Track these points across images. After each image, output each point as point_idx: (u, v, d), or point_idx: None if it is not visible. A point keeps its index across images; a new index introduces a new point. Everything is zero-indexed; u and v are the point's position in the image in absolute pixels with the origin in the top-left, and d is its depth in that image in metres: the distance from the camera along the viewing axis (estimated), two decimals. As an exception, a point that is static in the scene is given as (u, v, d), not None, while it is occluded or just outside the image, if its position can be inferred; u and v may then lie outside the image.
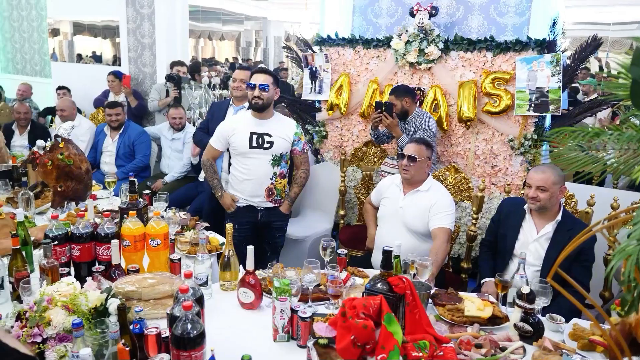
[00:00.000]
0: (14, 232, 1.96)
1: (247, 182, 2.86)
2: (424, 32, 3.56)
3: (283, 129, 2.85)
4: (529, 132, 3.39)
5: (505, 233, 2.51)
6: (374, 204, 2.97)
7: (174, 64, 5.40)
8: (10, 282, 1.84)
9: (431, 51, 3.55)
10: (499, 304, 2.00)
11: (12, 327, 1.45)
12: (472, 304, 1.89)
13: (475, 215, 3.04)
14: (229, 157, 3.25)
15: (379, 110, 3.36)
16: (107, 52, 6.77)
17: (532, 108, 3.32)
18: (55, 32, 7.30)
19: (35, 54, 8.13)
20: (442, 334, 1.67)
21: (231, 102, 3.48)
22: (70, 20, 7.05)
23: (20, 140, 4.93)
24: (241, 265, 2.13)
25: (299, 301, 1.84)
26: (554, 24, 3.25)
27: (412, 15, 3.60)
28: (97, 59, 6.95)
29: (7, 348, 0.84)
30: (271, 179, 2.85)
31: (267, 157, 2.81)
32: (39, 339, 1.38)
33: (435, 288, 2.07)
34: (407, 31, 3.63)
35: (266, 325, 1.75)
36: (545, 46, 3.27)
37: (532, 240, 2.42)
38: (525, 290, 1.79)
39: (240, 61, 12.14)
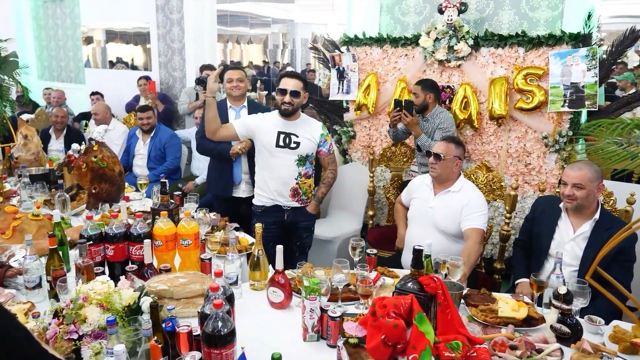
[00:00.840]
0: (51, 232, 2.01)
1: (272, 180, 2.86)
2: (453, 29, 3.51)
3: (309, 130, 2.85)
4: (564, 129, 3.30)
5: (540, 232, 2.44)
6: (404, 203, 2.93)
7: (203, 68, 5.47)
8: (48, 281, 1.89)
9: (461, 48, 3.49)
10: (535, 305, 1.94)
11: (49, 324, 1.48)
12: (506, 304, 1.84)
13: (508, 215, 2.97)
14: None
15: (398, 108, 3.35)
16: (138, 57, 6.93)
17: (566, 104, 3.22)
18: (88, 40, 7.51)
19: (70, 61, 8.38)
20: (475, 335, 1.63)
21: (229, 104, 3.39)
22: (102, 28, 7.25)
23: (56, 145, 5.09)
24: (270, 265, 2.13)
25: (328, 301, 1.83)
26: (589, 16, 3.15)
27: (441, 12, 3.55)
28: (128, 64, 7.12)
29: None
30: (296, 179, 2.85)
31: (293, 157, 2.82)
32: (75, 336, 1.41)
33: (468, 288, 2.03)
34: (435, 28, 3.58)
35: (296, 325, 1.74)
36: (580, 40, 3.17)
37: (569, 240, 2.34)
38: (562, 290, 1.73)
39: (271, 64, 12.21)
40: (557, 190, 3.25)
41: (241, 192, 3.38)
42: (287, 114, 2.78)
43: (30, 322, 1.63)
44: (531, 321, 1.79)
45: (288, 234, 2.98)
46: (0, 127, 2.59)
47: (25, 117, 3.99)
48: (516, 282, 2.43)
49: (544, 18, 3.46)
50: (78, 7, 7.54)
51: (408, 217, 2.84)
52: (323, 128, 2.92)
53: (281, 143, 2.79)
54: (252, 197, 3.07)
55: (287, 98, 2.73)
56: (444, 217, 2.61)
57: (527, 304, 1.88)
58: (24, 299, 1.86)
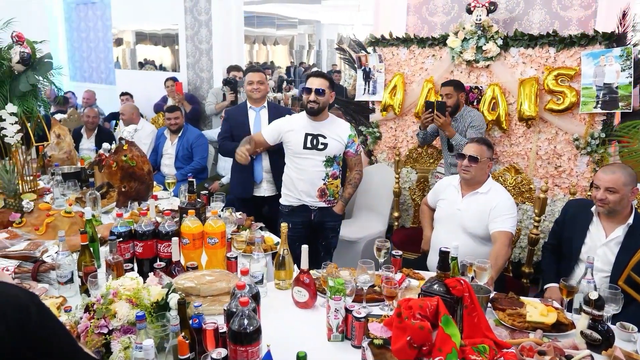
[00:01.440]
0: (83, 229, 2.06)
1: (300, 181, 2.88)
2: (481, 29, 3.46)
3: (337, 131, 2.86)
4: (596, 131, 3.21)
5: (571, 236, 2.38)
6: (430, 205, 2.91)
7: (230, 69, 5.54)
8: (79, 276, 1.94)
9: (489, 48, 3.44)
10: (564, 310, 1.90)
11: (80, 318, 1.52)
12: (535, 309, 1.80)
13: (537, 218, 2.91)
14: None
15: (430, 109, 3.32)
16: (167, 58, 7.06)
17: (599, 105, 3.14)
18: (118, 42, 7.69)
19: (101, 63, 8.60)
20: (503, 339, 1.61)
21: (249, 105, 3.42)
22: (132, 30, 7.41)
23: (87, 144, 5.22)
24: (295, 265, 2.14)
25: (353, 301, 1.82)
26: (624, 15, 3.06)
27: (469, 12, 3.51)
28: (157, 65, 7.25)
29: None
30: (323, 180, 2.86)
31: (321, 158, 2.83)
32: (105, 330, 1.44)
33: (495, 292, 1.99)
34: (463, 28, 3.54)
35: (320, 325, 1.75)
36: (614, 40, 3.09)
37: (601, 245, 2.28)
38: (594, 296, 1.68)
39: (297, 65, 12.29)
40: (589, 193, 3.18)
41: (263, 190, 3.40)
42: (314, 113, 2.79)
43: (62, 316, 1.68)
44: (560, 327, 1.76)
45: (314, 234, 2.99)
46: (35, 126, 2.66)
47: (58, 116, 4.11)
48: (545, 286, 2.38)
49: (576, 17, 3.38)
50: (109, 9, 7.72)
51: (435, 218, 2.82)
52: (351, 129, 2.92)
53: (309, 145, 2.81)
54: (275, 196, 3.08)
55: (312, 97, 2.75)
56: (471, 219, 2.57)
57: (556, 309, 1.84)
58: (56, 294, 1.92)
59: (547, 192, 2.91)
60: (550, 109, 3.29)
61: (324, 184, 2.87)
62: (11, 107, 2.41)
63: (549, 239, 2.59)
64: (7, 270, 1.97)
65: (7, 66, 2.43)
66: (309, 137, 2.81)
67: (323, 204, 2.92)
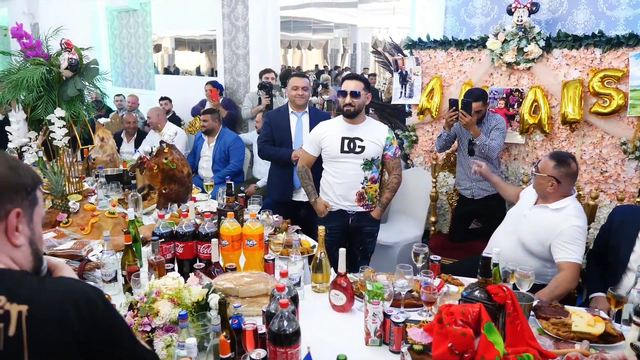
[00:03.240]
0: (126, 230, 2.12)
1: (338, 185, 2.87)
2: (523, 30, 3.38)
3: (375, 134, 2.83)
4: (645, 135, 3.08)
5: (619, 244, 2.29)
6: (520, 195, 2.77)
7: (263, 72, 5.60)
8: (123, 275, 2.00)
9: (531, 50, 3.35)
10: (612, 321, 1.82)
11: (125, 315, 1.56)
12: (581, 319, 1.74)
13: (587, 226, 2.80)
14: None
15: (454, 107, 3.28)
16: (204, 64, 7.20)
17: (648, 108, 3.01)
18: (158, 48, 7.90)
19: (142, 68, 8.85)
20: (547, 349, 1.56)
21: (291, 110, 3.44)
22: (171, 36, 7.61)
23: (127, 147, 5.39)
24: (332, 268, 2.14)
25: (390, 306, 1.80)
26: (675, 14, 2.93)
27: (510, 13, 3.43)
28: (195, 70, 7.41)
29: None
30: (362, 183, 2.84)
31: (359, 161, 2.81)
32: (148, 328, 1.48)
33: (539, 300, 1.93)
34: (504, 30, 3.46)
35: (358, 328, 1.74)
36: (665, 40, 2.96)
37: (651, 253, 2.18)
38: (645, 306, 1.61)
39: (329, 68, 12.32)
40: (638, 199, 3.05)
41: (302, 196, 3.41)
42: (350, 115, 2.78)
43: (107, 313, 1.73)
44: (608, 338, 1.69)
45: (351, 238, 2.97)
46: (81, 130, 2.75)
47: (102, 120, 4.25)
48: (590, 296, 2.29)
49: (623, 17, 3.26)
50: (149, 16, 7.95)
51: (507, 213, 2.75)
52: (389, 132, 2.88)
53: (346, 148, 2.80)
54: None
55: (347, 99, 2.75)
56: (530, 231, 2.43)
57: (603, 319, 1.77)
58: (101, 291, 1.98)
59: (596, 199, 2.80)
60: (596, 112, 3.17)
61: (363, 187, 2.84)
62: (59, 112, 2.50)
63: (594, 246, 2.50)
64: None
65: (56, 72, 2.53)
66: (346, 141, 2.80)
67: (361, 209, 2.89)
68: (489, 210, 3.42)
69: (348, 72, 11.74)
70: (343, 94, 2.78)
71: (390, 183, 2.96)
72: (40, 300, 0.93)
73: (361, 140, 2.79)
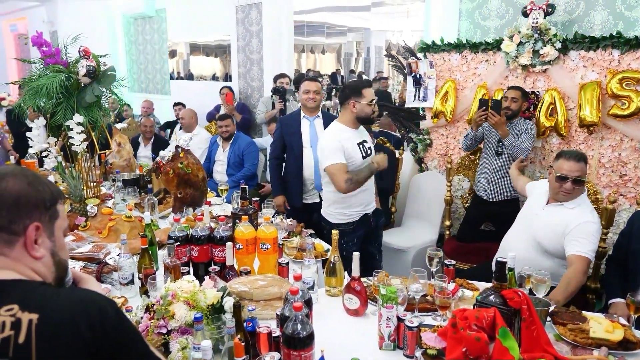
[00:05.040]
0: (143, 233, 2.15)
1: (364, 192, 2.79)
2: (538, 32, 3.35)
3: (365, 133, 2.94)
4: (665, 137, 3.03)
5: (638, 249, 2.25)
6: (527, 192, 2.75)
7: (277, 77, 5.63)
8: (139, 278, 2.02)
9: (547, 52, 3.32)
10: (632, 327, 1.79)
11: (141, 318, 1.58)
12: (599, 325, 1.71)
13: (604, 230, 2.76)
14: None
15: (484, 107, 3.32)
16: (219, 69, 7.27)
17: (668, 110, 2.96)
18: (173, 53, 7.99)
19: (157, 74, 8.96)
20: (564, 355, 1.54)
21: (303, 115, 3.43)
22: (186, 42, 7.69)
23: (144, 152, 5.45)
24: (346, 272, 2.14)
25: (404, 310, 1.80)
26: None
27: (525, 15, 3.40)
28: (209, 76, 7.48)
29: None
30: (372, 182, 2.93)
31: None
32: (164, 330, 1.50)
33: (554, 303, 1.91)
34: (519, 32, 3.43)
35: (371, 333, 1.73)
36: (685, 40, 2.90)
37: (672, 258, 2.14)
38: (665, 312, 1.58)
39: (342, 72, 12.33)
40: (657, 203, 3.00)
41: (313, 199, 3.42)
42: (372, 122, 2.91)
43: (124, 315, 1.75)
44: (627, 344, 1.65)
45: (369, 238, 2.94)
46: (99, 135, 2.80)
47: (119, 125, 4.31)
48: (609, 302, 2.26)
49: (641, 17, 3.21)
50: (165, 23, 8.05)
51: (518, 214, 2.70)
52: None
53: (363, 154, 2.78)
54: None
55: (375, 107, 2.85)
56: (546, 230, 2.39)
57: (622, 325, 1.74)
58: (118, 294, 2.00)
59: (614, 203, 2.76)
60: (615, 114, 3.12)
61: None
62: (78, 117, 2.55)
63: (614, 251, 2.46)
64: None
65: (75, 79, 2.58)
66: (360, 147, 2.78)
67: (375, 206, 2.97)
68: (503, 214, 3.32)
69: (363, 76, 11.74)
70: (372, 102, 2.70)
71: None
72: (51, 309, 0.95)
73: (367, 142, 2.86)
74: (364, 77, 11.18)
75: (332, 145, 2.67)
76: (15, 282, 0.99)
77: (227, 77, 7.00)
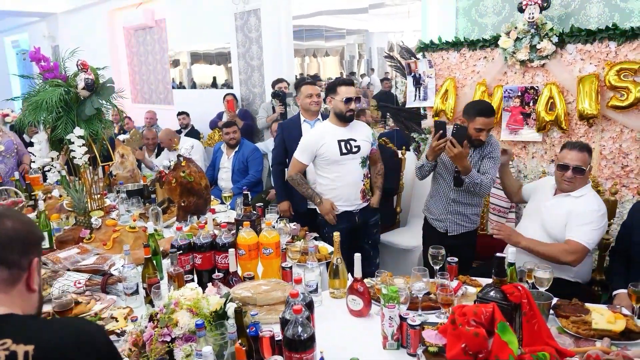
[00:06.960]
0: (146, 243, 2.17)
1: (344, 188, 2.98)
2: (535, 27, 3.35)
3: (363, 133, 3.03)
4: (666, 126, 3.01)
5: (640, 240, 2.25)
6: (523, 194, 2.81)
7: (275, 82, 5.66)
8: (144, 288, 2.05)
9: (544, 46, 3.32)
10: (635, 317, 1.79)
11: (146, 327, 1.60)
12: (601, 316, 1.71)
13: (608, 222, 2.75)
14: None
15: (441, 132, 2.58)
16: (220, 76, 7.31)
17: (667, 99, 2.94)
18: (175, 63, 8.05)
19: (159, 84, 9.02)
20: (567, 348, 1.54)
21: (303, 118, 3.49)
22: (188, 51, 7.75)
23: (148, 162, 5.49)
24: (349, 274, 2.15)
25: (408, 309, 1.81)
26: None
27: (521, 10, 3.40)
28: (211, 83, 7.53)
29: None
30: (362, 180, 3.01)
31: (357, 160, 2.97)
32: (168, 339, 1.51)
33: (557, 298, 1.91)
34: (516, 28, 3.43)
35: (375, 333, 1.74)
36: (681, 29, 2.89)
37: (675, 248, 2.14)
38: (667, 302, 1.58)
39: (344, 75, 12.33)
40: (660, 193, 2.98)
41: None
42: (351, 120, 2.97)
43: (129, 325, 1.78)
44: (630, 335, 1.66)
45: (358, 235, 3.08)
46: (100, 147, 2.84)
47: (121, 137, 4.35)
48: (614, 293, 2.25)
49: (638, 8, 3.19)
50: (166, 33, 8.12)
51: (524, 213, 2.77)
52: (370, 128, 3.14)
53: (344, 150, 2.92)
54: None
55: (353, 105, 2.92)
56: (555, 220, 2.43)
57: (625, 316, 1.74)
58: (123, 304, 2.03)
59: (616, 195, 2.75)
60: (614, 106, 3.11)
61: (363, 184, 3.02)
62: (78, 131, 2.58)
63: (617, 243, 2.45)
64: (79, 282, 2.10)
65: (74, 92, 2.61)
66: (342, 143, 2.92)
67: (365, 204, 3.05)
68: (464, 248, 2.82)
69: (366, 78, 11.73)
70: (348, 100, 2.88)
71: (380, 170, 3.23)
72: (47, 339, 0.99)
73: (355, 140, 2.95)
74: (367, 78, 11.18)
75: (306, 143, 2.99)
76: (6, 316, 1.02)
77: (229, 84, 7.04)
